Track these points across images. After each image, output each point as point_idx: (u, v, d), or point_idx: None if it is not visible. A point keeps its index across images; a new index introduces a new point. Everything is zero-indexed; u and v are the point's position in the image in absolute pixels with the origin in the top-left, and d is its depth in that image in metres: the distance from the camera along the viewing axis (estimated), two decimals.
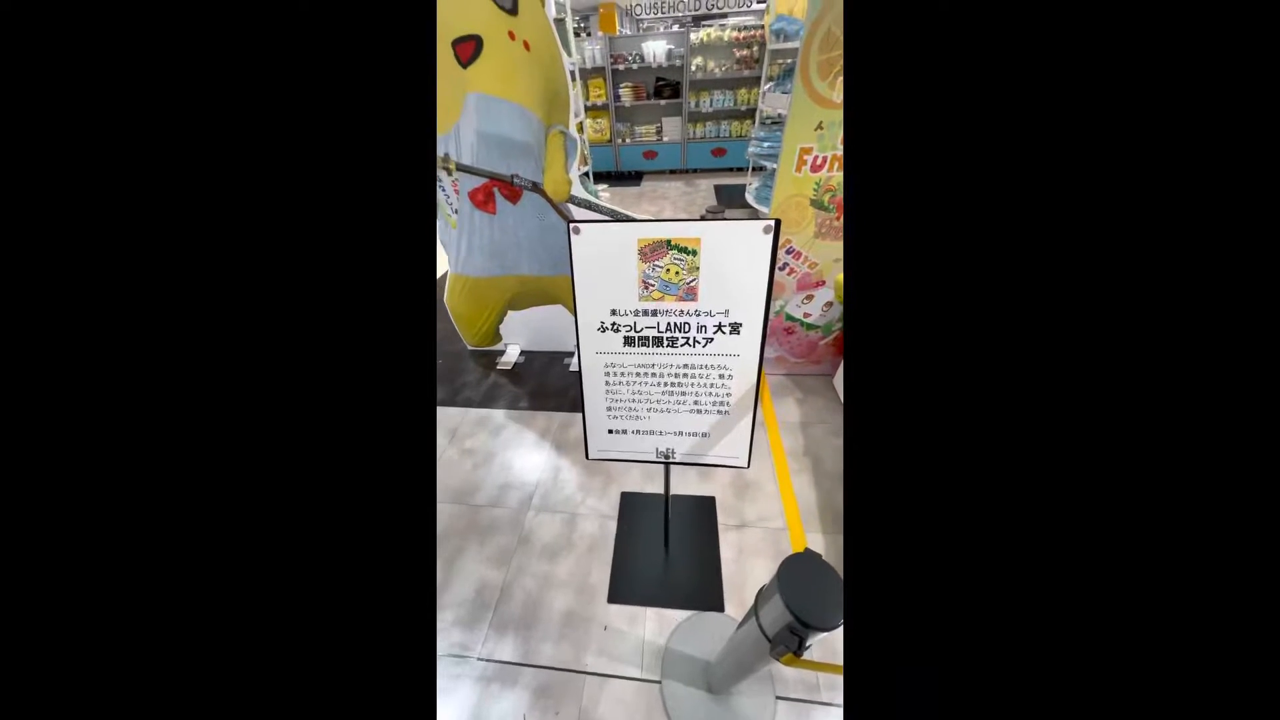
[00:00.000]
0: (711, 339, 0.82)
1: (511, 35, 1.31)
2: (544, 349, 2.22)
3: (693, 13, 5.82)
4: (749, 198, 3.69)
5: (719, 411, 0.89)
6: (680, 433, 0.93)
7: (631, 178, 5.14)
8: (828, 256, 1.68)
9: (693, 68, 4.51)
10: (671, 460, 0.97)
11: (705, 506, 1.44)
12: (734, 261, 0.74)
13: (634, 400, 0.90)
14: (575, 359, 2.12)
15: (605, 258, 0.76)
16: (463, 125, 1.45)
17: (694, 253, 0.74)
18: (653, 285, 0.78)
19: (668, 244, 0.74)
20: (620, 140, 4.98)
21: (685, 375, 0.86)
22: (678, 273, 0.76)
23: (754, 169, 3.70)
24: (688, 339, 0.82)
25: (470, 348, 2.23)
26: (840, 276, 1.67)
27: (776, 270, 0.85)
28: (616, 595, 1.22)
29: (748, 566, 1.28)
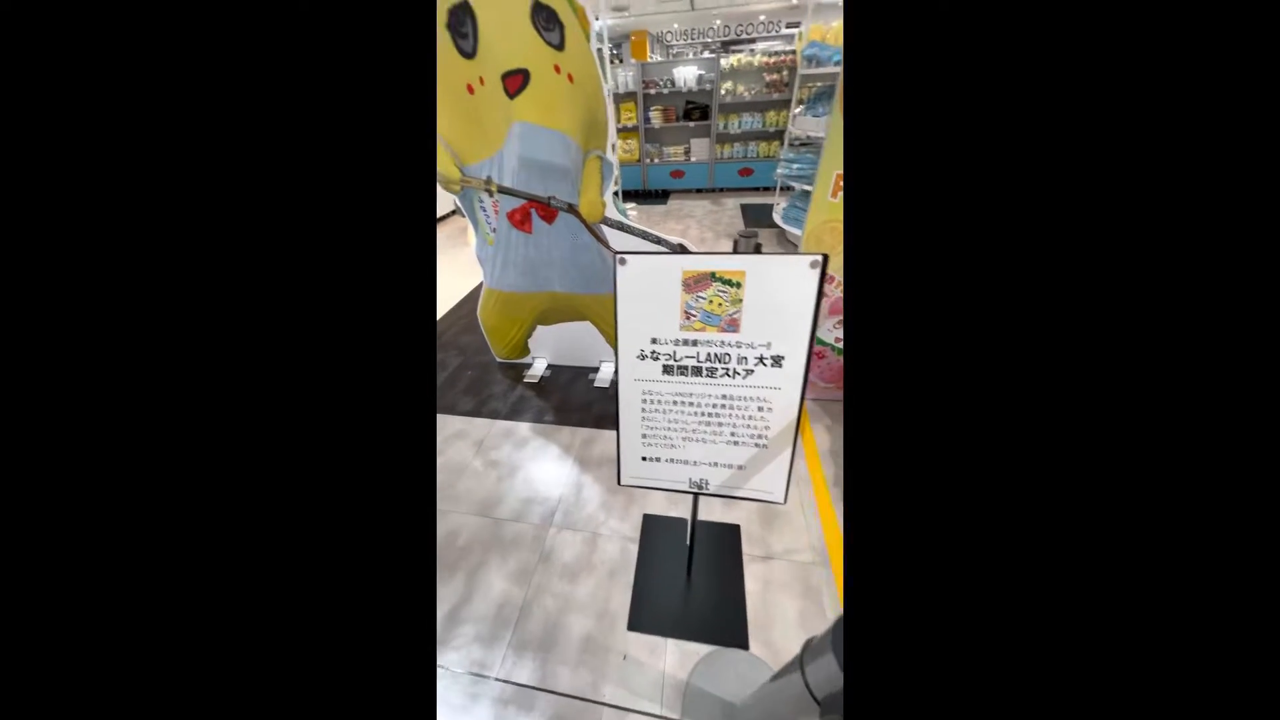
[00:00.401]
0: (752, 370, 0.81)
1: (557, 69, 1.37)
2: (570, 363, 2.25)
3: (722, 39, 5.98)
4: (776, 217, 3.70)
5: (756, 444, 0.87)
6: (715, 464, 0.92)
7: (658, 196, 5.23)
8: None
9: (722, 91, 4.60)
10: (704, 492, 0.95)
11: (730, 535, 1.41)
12: (779, 295, 0.74)
13: (669, 429, 0.89)
14: (600, 374, 2.13)
15: (649, 287, 0.77)
16: (506, 151, 1.51)
17: (738, 285, 0.74)
18: (695, 316, 0.78)
19: (712, 276, 0.75)
20: (649, 160, 5.10)
21: (723, 406, 0.85)
22: (721, 304, 0.76)
23: (782, 189, 3.70)
24: (727, 370, 0.82)
25: (499, 359, 2.29)
26: None
27: None
28: (637, 623, 1.19)
29: (773, 601, 1.23)
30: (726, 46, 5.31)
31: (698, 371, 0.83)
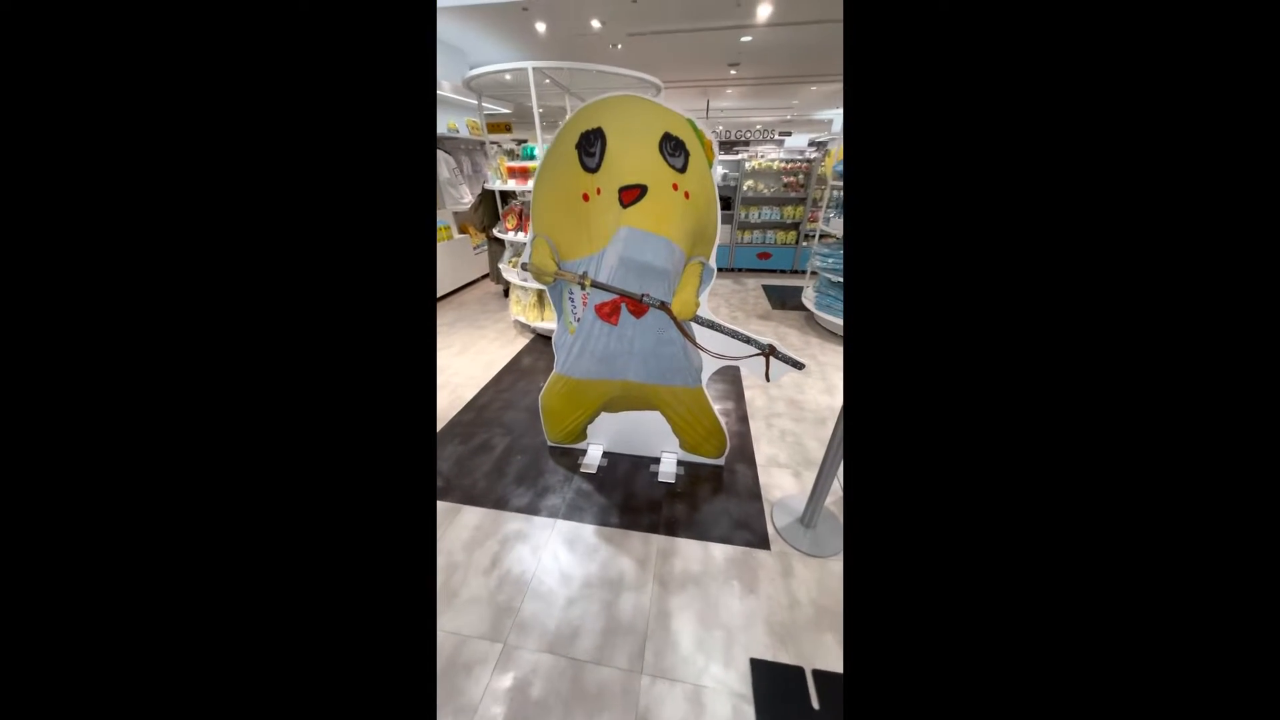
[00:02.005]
0: None
1: (675, 187, 1.45)
2: (627, 452, 2.12)
3: (721, 140, 6.93)
4: (807, 301, 3.88)
5: None
6: None
7: None
8: None
9: (744, 188, 5.09)
10: None
11: None
12: None
13: None
14: (662, 467, 2.00)
15: None
16: (608, 250, 1.55)
17: None
18: None
19: None
20: None
21: None
22: None
23: (811, 273, 3.93)
24: None
25: (550, 443, 2.15)
26: None
27: None
28: None
29: None
30: (724, 146, 6.18)
31: None
